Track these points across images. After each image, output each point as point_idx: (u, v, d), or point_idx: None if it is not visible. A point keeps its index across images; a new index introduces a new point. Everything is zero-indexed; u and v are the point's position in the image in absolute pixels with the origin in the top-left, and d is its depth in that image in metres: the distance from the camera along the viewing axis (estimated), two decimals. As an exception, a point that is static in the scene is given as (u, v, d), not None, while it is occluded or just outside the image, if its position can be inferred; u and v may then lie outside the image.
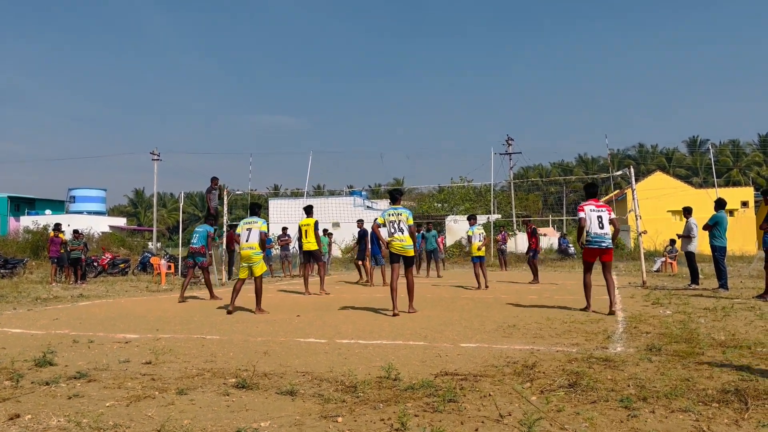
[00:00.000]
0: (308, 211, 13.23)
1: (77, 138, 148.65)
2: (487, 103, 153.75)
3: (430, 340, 6.39)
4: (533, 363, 5.02)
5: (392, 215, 8.79)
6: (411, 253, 8.78)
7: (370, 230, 13.65)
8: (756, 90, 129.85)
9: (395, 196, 9.29)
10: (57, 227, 19.58)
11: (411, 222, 8.79)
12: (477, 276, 13.61)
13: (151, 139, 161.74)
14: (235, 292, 9.53)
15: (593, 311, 8.57)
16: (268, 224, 10.45)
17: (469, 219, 14.49)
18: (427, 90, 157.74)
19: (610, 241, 8.56)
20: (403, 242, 8.70)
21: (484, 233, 14.35)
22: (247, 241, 9.44)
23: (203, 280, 12.53)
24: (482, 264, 13.76)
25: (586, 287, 8.87)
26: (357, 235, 17.06)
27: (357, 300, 11.31)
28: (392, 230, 8.76)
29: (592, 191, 8.87)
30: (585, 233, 8.50)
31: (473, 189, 43.17)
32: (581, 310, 8.79)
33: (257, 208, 10.02)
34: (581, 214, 8.59)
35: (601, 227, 8.48)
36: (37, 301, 11.89)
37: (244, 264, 9.57)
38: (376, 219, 9.04)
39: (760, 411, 3.54)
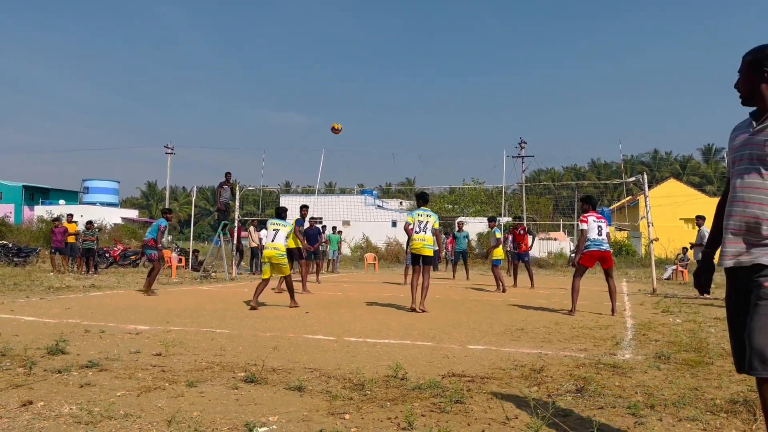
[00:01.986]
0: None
1: (92, 129, 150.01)
2: (501, 105, 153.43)
3: (438, 341, 6.41)
4: (541, 367, 5.02)
5: (422, 216, 9.27)
6: (429, 252, 9.18)
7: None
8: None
9: (425, 198, 9.74)
10: (57, 219, 19.82)
11: (437, 226, 9.31)
12: (499, 278, 13.77)
13: (164, 133, 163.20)
14: (259, 290, 9.63)
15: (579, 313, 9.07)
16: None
17: (491, 220, 14.45)
18: (441, 91, 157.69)
19: (608, 245, 9.18)
20: (424, 242, 9.14)
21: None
22: (272, 241, 9.71)
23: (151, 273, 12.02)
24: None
25: (574, 291, 9.13)
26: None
27: (366, 299, 11.34)
28: (417, 229, 9.20)
29: (593, 203, 9.50)
30: (586, 242, 9.07)
31: (484, 191, 43.12)
32: (567, 313, 9.07)
33: (284, 211, 10.49)
34: (584, 226, 9.14)
35: (600, 235, 9.09)
36: (49, 290, 12.03)
37: (266, 262, 9.80)
38: (406, 220, 9.55)
39: (769, 422, 3.53)
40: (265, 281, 9.84)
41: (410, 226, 9.29)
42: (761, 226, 2.57)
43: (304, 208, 13.48)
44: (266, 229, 10.22)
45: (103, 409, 3.60)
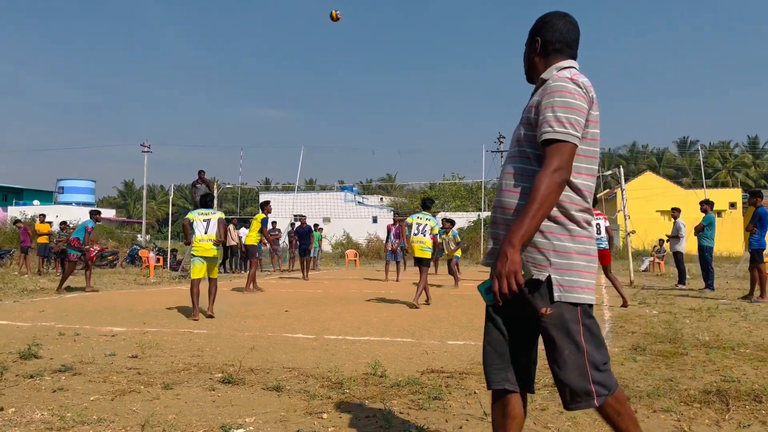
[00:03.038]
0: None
1: (67, 128, 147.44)
2: (479, 100, 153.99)
3: (418, 337, 6.42)
4: (519, 361, 5.04)
5: (421, 219, 9.72)
6: (426, 255, 9.59)
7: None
8: (746, 92, 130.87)
9: (428, 204, 10.25)
10: (18, 220, 19.54)
11: (436, 231, 9.81)
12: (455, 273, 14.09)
13: (141, 131, 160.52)
14: (195, 296, 8.34)
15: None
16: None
17: (448, 222, 14.46)
18: (420, 86, 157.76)
19: (606, 243, 9.41)
20: (422, 244, 9.57)
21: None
22: (206, 233, 8.36)
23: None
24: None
25: (614, 283, 9.52)
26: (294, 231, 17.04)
27: (346, 296, 11.32)
28: (416, 231, 9.65)
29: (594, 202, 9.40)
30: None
31: (464, 186, 43.29)
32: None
33: (211, 199, 9.31)
34: None
35: (599, 233, 9.20)
36: (23, 292, 11.81)
37: (200, 258, 8.42)
38: (406, 219, 10.13)
39: (741, 412, 3.59)
40: (197, 282, 8.39)
41: (407, 226, 9.85)
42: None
43: (266, 205, 12.29)
44: (194, 220, 8.45)
45: (76, 414, 3.54)
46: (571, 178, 2.07)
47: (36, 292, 11.96)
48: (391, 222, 16.65)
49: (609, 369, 2.12)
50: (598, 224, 9.15)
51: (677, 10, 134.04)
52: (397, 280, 15.35)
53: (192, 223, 8.49)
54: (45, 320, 7.74)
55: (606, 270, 9.52)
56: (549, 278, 2.05)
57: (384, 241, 17.83)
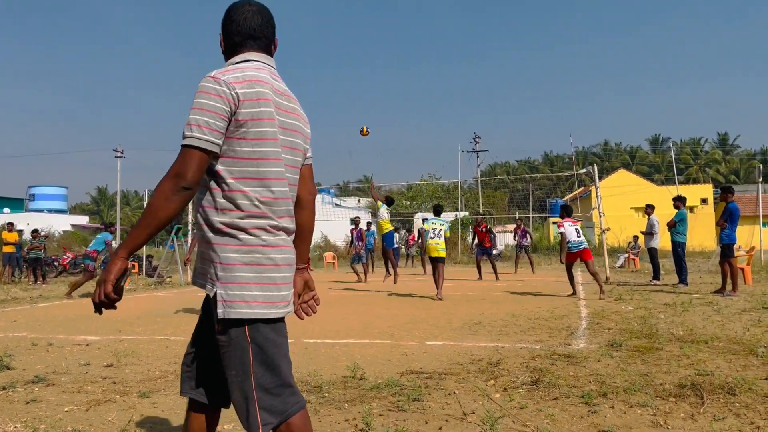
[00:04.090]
0: None
1: (37, 134, 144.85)
2: (455, 100, 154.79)
3: (397, 339, 6.42)
4: (497, 360, 5.07)
5: (436, 224, 11.22)
6: (442, 254, 11.11)
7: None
8: (716, 90, 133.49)
9: (439, 210, 11.81)
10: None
11: (448, 234, 11.46)
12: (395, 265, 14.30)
13: (114, 136, 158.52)
14: None
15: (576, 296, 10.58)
16: None
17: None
18: (395, 87, 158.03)
19: (586, 243, 11.03)
20: (438, 245, 11.03)
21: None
22: None
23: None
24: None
25: (571, 279, 11.14)
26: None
27: (325, 298, 11.26)
28: (432, 235, 11.13)
29: (569, 211, 11.28)
30: (567, 243, 10.88)
31: (441, 186, 43.47)
32: (569, 296, 10.65)
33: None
34: (561, 230, 11.03)
35: (578, 237, 10.92)
36: (-6, 302, 11.55)
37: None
38: (423, 227, 11.89)
39: (716, 405, 3.65)
40: None
41: (425, 231, 11.46)
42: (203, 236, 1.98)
43: None
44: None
45: (50, 426, 3.47)
46: (231, 183, 1.90)
47: (7, 301, 11.71)
48: (354, 226, 16.87)
49: (286, 392, 1.93)
50: (576, 229, 10.90)
51: (648, 8, 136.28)
52: (364, 281, 15.46)
53: None
54: (17, 330, 7.58)
55: (588, 266, 10.73)
56: (216, 294, 1.90)
57: (348, 246, 17.94)
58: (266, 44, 2.15)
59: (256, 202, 1.92)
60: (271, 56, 2.20)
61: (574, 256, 10.89)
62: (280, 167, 1.99)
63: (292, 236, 2.08)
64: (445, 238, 11.13)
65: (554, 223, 37.41)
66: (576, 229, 10.96)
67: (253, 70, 1.99)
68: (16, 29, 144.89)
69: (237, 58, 2.08)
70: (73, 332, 7.36)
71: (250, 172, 1.92)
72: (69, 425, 3.50)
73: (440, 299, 10.43)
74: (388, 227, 14.10)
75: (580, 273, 17.76)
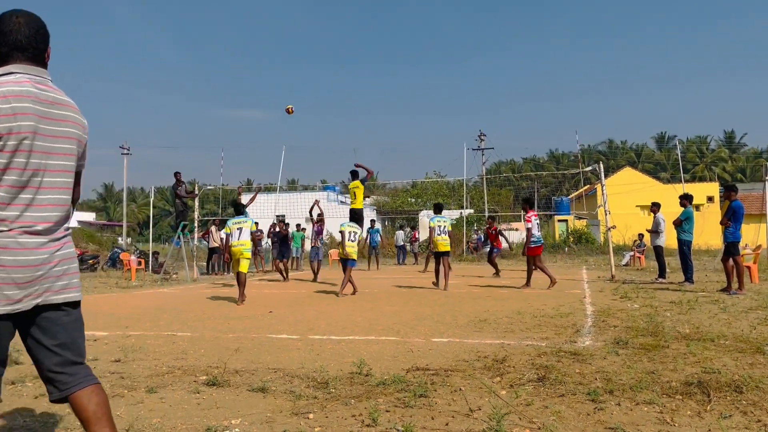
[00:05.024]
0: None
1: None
2: (460, 98, 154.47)
3: (403, 335, 6.43)
4: (503, 357, 5.08)
5: (440, 221, 12.18)
6: (448, 248, 12.22)
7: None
8: (722, 88, 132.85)
9: (440, 208, 12.77)
10: None
11: (450, 229, 12.46)
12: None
13: (120, 133, 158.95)
14: (241, 284, 10.26)
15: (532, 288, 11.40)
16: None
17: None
18: (400, 84, 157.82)
19: (542, 239, 12.02)
20: (444, 241, 12.08)
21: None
22: (238, 239, 10.26)
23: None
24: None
25: (545, 270, 11.72)
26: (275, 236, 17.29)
27: (330, 295, 11.30)
28: (439, 232, 12.08)
29: (531, 203, 11.88)
30: (531, 237, 11.44)
31: (446, 184, 43.45)
32: (549, 288, 11.27)
33: (243, 207, 10.99)
34: (528, 225, 11.49)
35: (539, 231, 11.64)
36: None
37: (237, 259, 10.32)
38: (429, 224, 12.56)
39: (722, 403, 3.65)
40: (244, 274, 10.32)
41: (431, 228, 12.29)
42: None
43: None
44: (230, 228, 10.40)
45: (59, 420, 3.50)
46: None
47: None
48: (315, 220, 17.12)
49: None
50: (539, 223, 11.56)
51: (654, 5, 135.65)
52: (315, 280, 15.44)
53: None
54: (25, 326, 7.62)
55: (539, 260, 11.68)
56: None
57: (311, 240, 18.14)
58: (35, 55, 2.20)
59: None
60: (44, 66, 2.24)
61: (537, 250, 11.55)
62: (37, 177, 2.11)
63: (45, 238, 2.17)
64: (448, 232, 12.16)
65: (560, 221, 37.41)
66: (538, 223, 11.73)
67: (12, 85, 2.06)
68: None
69: (0, 71, 2.13)
70: (80, 328, 7.39)
71: (6, 181, 2.05)
72: (77, 420, 3.52)
73: (445, 289, 11.50)
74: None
75: (584, 270, 17.77)
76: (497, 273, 15.81)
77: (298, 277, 17.44)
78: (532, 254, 11.61)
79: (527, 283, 11.74)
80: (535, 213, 11.72)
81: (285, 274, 16.27)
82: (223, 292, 12.48)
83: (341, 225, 11.58)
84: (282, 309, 9.14)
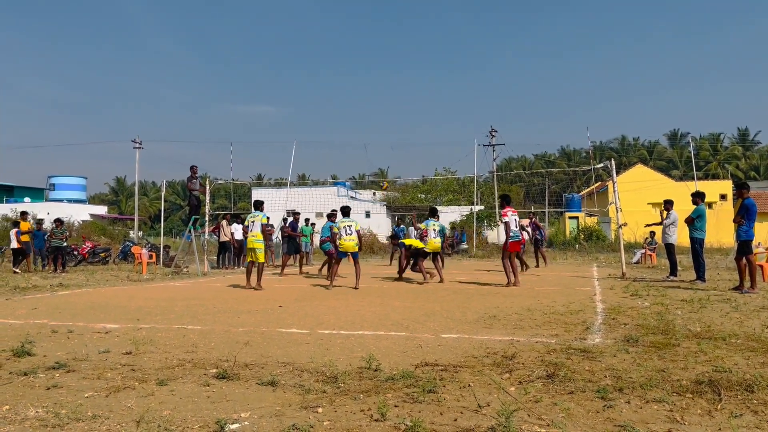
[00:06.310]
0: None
1: (58, 125, 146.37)
2: (471, 94, 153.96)
3: (412, 331, 6.43)
4: (513, 354, 5.07)
5: (436, 225, 13.19)
6: (439, 248, 13.33)
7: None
8: (736, 85, 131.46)
9: (436, 212, 13.67)
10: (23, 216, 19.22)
11: (446, 231, 14.04)
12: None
13: (132, 127, 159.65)
14: (248, 273, 11.75)
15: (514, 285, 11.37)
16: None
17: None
18: (412, 81, 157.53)
19: (520, 235, 12.12)
20: (439, 243, 13.25)
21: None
22: (251, 231, 11.60)
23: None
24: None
25: (513, 268, 11.61)
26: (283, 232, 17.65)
27: (339, 291, 11.33)
28: (434, 235, 13.07)
29: (508, 200, 12.07)
30: (510, 233, 11.44)
31: (457, 180, 43.32)
32: (506, 285, 11.37)
33: (260, 204, 12.06)
34: (506, 219, 11.53)
35: (517, 227, 11.71)
36: (15, 290, 11.75)
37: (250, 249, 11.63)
38: (425, 224, 13.39)
39: (733, 402, 3.62)
40: (252, 263, 11.68)
41: (425, 231, 13.23)
42: None
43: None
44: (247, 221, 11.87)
45: (71, 411, 3.53)
46: None
47: (28, 289, 11.90)
48: (288, 217, 17.47)
49: None
50: (516, 219, 11.61)
51: (666, 4, 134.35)
52: (281, 274, 15.86)
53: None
54: (38, 318, 7.70)
55: (518, 256, 12.42)
56: None
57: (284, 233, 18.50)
58: None
59: None
60: None
61: (516, 244, 11.68)
62: None
63: None
64: (445, 234, 13.46)
65: (571, 217, 37.22)
66: (516, 220, 11.70)
67: None
68: (38, 23, 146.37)
69: None
70: (92, 320, 7.47)
71: None
72: (89, 410, 3.56)
73: (441, 281, 12.65)
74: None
75: (595, 267, 17.68)
76: (526, 266, 16.11)
77: (308, 271, 17.48)
78: (512, 250, 11.61)
79: (510, 281, 11.49)
80: (513, 209, 11.76)
81: (299, 267, 16.83)
82: (233, 284, 12.53)
83: (334, 225, 12.47)
84: (291, 304, 9.17)
